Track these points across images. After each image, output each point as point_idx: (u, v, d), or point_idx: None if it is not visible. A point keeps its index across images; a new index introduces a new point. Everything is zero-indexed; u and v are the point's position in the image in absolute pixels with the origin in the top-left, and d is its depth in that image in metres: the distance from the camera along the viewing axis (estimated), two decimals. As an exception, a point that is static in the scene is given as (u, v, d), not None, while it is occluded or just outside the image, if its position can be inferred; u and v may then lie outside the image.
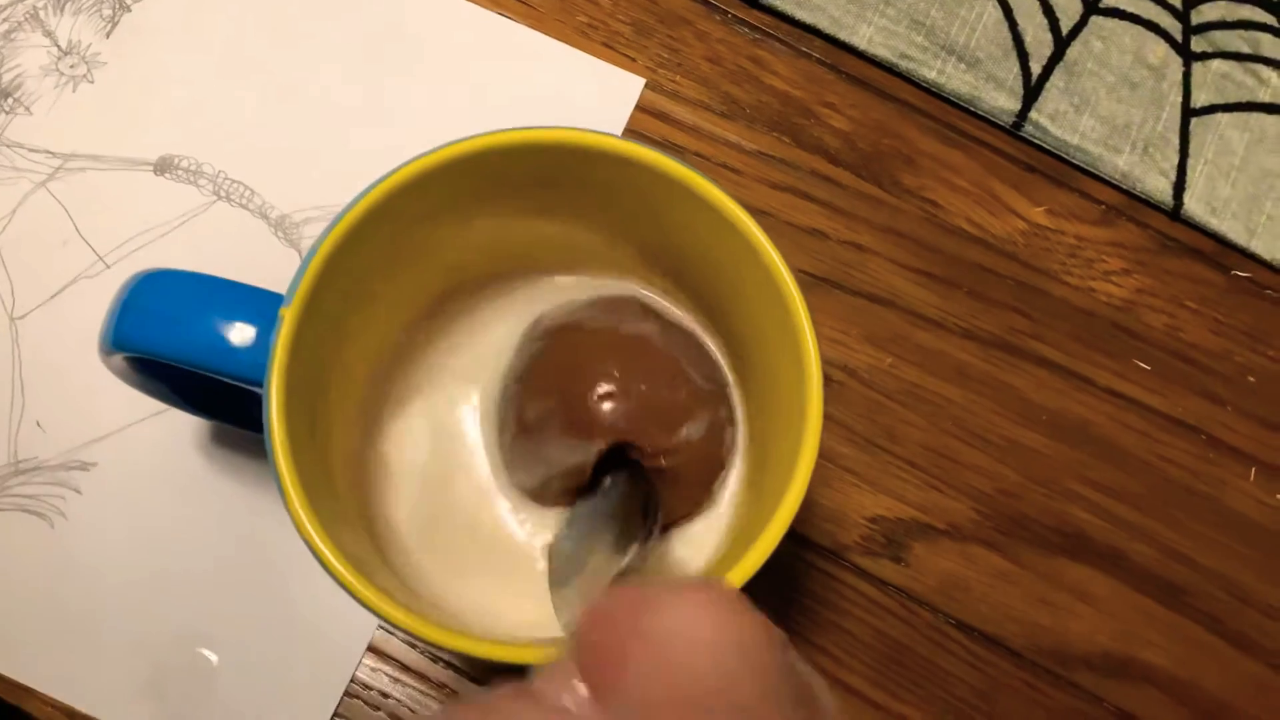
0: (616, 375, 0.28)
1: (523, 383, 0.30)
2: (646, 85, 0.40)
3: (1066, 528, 0.38)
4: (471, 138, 0.25)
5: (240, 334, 0.25)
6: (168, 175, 0.37)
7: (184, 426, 0.35)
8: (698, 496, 0.30)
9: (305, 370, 0.25)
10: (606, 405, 0.27)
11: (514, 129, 0.26)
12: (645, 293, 0.32)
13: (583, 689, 0.15)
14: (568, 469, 0.28)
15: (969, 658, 0.36)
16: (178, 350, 0.25)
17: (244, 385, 0.26)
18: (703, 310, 0.31)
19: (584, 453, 0.27)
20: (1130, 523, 0.38)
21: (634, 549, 0.25)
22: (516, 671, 0.23)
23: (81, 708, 0.32)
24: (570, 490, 0.29)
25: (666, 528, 0.30)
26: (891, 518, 0.37)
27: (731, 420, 0.31)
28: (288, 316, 0.24)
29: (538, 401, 0.29)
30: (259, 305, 0.25)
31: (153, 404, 0.33)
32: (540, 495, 0.30)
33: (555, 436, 0.28)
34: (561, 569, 0.26)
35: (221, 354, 0.25)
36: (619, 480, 0.27)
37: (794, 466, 0.25)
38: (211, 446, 0.35)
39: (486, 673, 0.35)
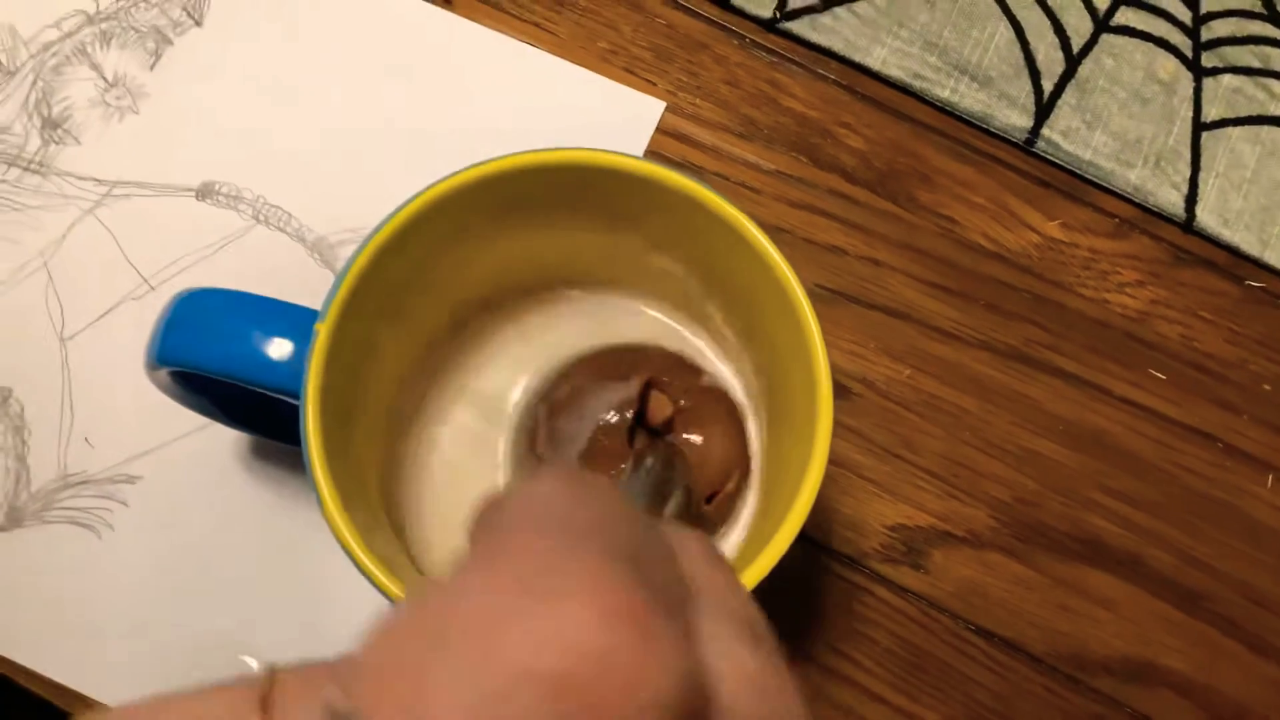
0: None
1: (549, 397, 0.32)
2: (667, 108, 0.41)
3: (1084, 535, 0.38)
4: (498, 159, 0.27)
5: (278, 348, 0.26)
6: (209, 201, 0.39)
7: (225, 441, 0.36)
8: (721, 468, 0.32)
9: (339, 382, 0.26)
10: (636, 363, 0.32)
11: (537, 150, 0.27)
12: (672, 328, 0.33)
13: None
14: (612, 412, 0.31)
15: (989, 663, 0.37)
16: (219, 364, 0.27)
17: (282, 397, 0.27)
18: (731, 329, 0.32)
19: (626, 390, 0.30)
20: (1147, 530, 0.38)
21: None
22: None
23: (128, 711, 0.34)
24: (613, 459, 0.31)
25: (698, 517, 0.31)
26: (911, 526, 0.38)
27: (743, 432, 0.32)
28: (323, 331, 0.25)
29: (569, 385, 0.32)
30: (296, 321, 0.27)
31: (195, 420, 0.35)
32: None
33: (593, 386, 0.31)
34: None
35: (260, 367, 0.26)
36: (657, 460, 0.28)
37: (805, 471, 0.26)
38: (252, 460, 0.36)
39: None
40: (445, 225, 0.27)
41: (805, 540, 0.37)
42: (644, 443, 0.31)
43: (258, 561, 0.35)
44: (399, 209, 0.26)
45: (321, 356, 0.25)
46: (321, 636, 0.34)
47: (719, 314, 0.32)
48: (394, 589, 0.24)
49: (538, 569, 0.12)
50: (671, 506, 0.26)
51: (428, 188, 0.26)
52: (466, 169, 0.27)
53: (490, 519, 0.14)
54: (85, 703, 0.34)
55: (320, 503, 0.25)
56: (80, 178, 0.39)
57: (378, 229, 0.26)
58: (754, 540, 0.29)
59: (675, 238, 0.29)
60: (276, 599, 0.35)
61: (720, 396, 0.33)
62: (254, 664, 0.34)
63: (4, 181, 0.38)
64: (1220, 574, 0.38)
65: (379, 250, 0.26)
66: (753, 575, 0.25)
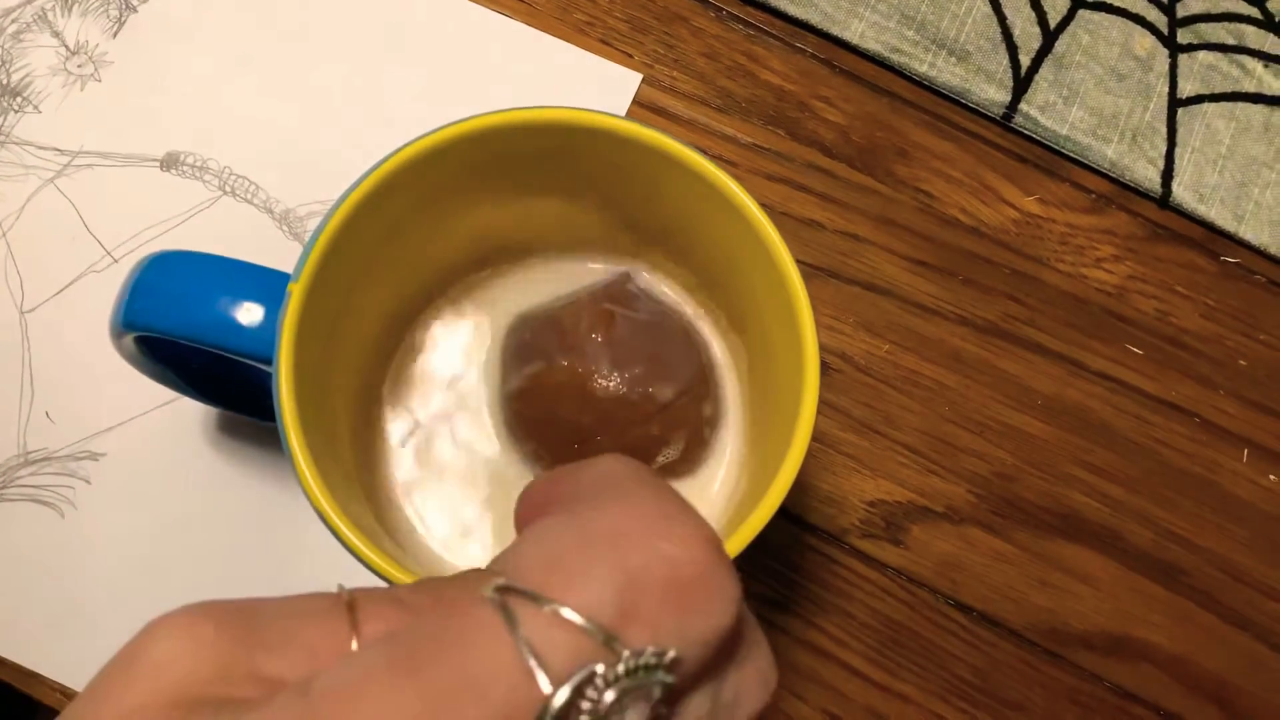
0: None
1: (510, 365, 0.31)
2: (644, 80, 0.41)
3: (1063, 509, 0.38)
4: (474, 117, 0.26)
5: (250, 310, 0.26)
6: (174, 171, 0.38)
7: (191, 416, 0.35)
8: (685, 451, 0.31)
9: (312, 346, 0.25)
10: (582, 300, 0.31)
11: (516, 109, 0.26)
12: (642, 274, 0.33)
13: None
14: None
15: (969, 638, 0.37)
16: (189, 328, 0.26)
17: (253, 362, 0.26)
18: (703, 287, 0.32)
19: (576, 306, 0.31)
20: (1125, 504, 0.38)
21: None
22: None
23: (91, 693, 0.33)
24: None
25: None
26: (890, 501, 0.38)
27: (705, 395, 0.31)
28: (296, 291, 0.25)
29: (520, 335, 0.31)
30: (267, 283, 0.26)
31: (160, 395, 0.34)
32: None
33: (545, 326, 0.31)
34: None
35: (232, 330, 0.25)
36: None
37: (788, 445, 0.25)
38: (218, 436, 0.35)
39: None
40: (421, 185, 0.27)
41: (785, 516, 0.37)
42: None
43: (224, 538, 0.34)
44: (375, 166, 0.26)
45: (294, 318, 0.24)
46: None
47: (705, 275, 0.31)
48: (373, 556, 0.23)
49: (655, 503, 0.17)
50: None
51: (402, 146, 0.26)
52: (443, 127, 0.26)
53: (575, 479, 0.18)
54: (48, 685, 0.33)
55: (293, 464, 0.24)
56: (41, 147, 0.37)
57: (353, 187, 0.25)
58: (735, 516, 0.29)
59: (658, 200, 0.29)
60: (244, 576, 0.34)
61: (672, 315, 0.32)
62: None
63: (-40, 150, 0.37)
64: (1197, 548, 0.38)
65: (354, 208, 0.25)
66: (732, 547, 0.25)
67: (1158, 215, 0.41)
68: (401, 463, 0.30)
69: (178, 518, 0.34)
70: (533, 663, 0.14)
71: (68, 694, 0.33)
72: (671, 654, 0.15)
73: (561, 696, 0.14)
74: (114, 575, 0.34)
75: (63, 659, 0.33)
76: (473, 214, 0.30)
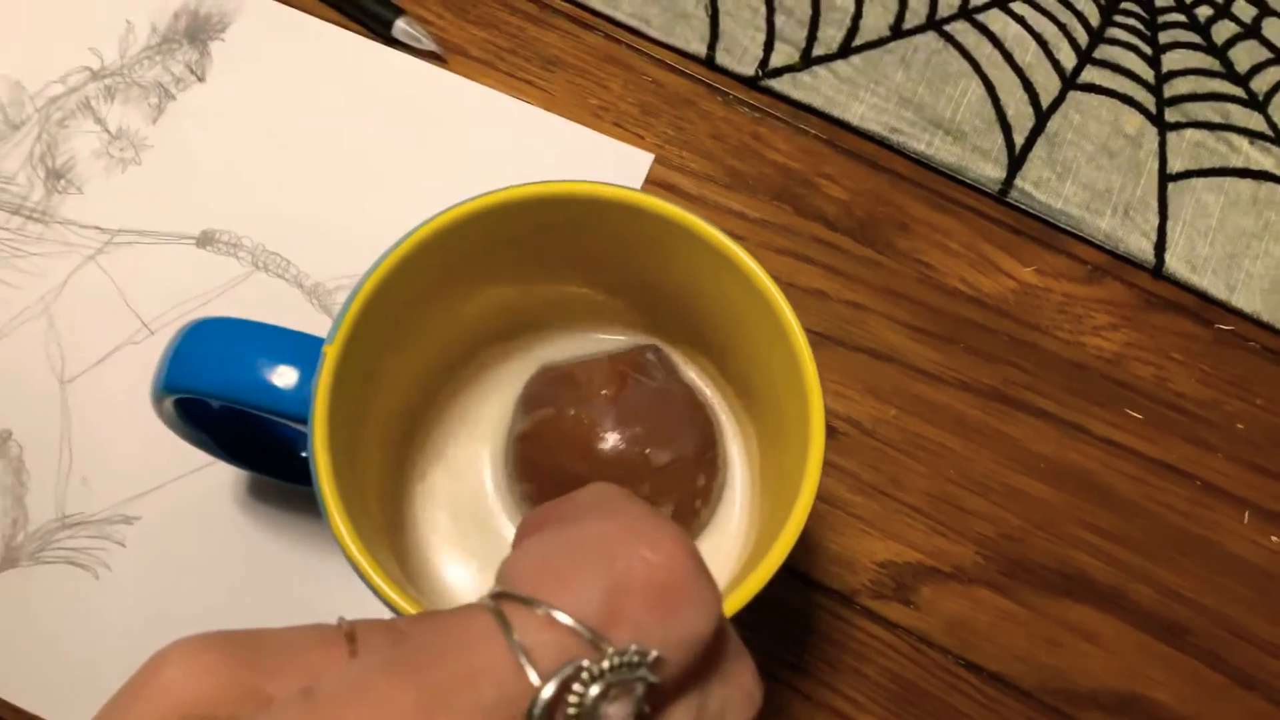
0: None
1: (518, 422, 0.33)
2: (655, 159, 0.43)
3: (1068, 570, 0.39)
4: (501, 190, 0.28)
5: (287, 372, 0.27)
6: (209, 248, 0.40)
7: (224, 482, 0.36)
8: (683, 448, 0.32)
9: (345, 405, 0.27)
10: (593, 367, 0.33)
11: (542, 182, 0.28)
12: (663, 350, 0.34)
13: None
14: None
15: (979, 697, 0.37)
16: (229, 389, 0.27)
17: (288, 422, 0.28)
18: (713, 359, 0.33)
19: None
20: (1130, 565, 0.39)
21: None
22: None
23: (121, 751, 0.33)
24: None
25: None
26: (900, 562, 0.38)
27: (701, 470, 0.33)
28: (330, 352, 0.26)
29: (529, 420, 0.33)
30: (303, 347, 0.27)
31: (194, 460, 0.35)
32: None
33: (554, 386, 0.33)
34: None
35: (270, 391, 0.27)
36: None
37: (794, 503, 0.27)
38: (250, 500, 0.36)
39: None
40: (448, 254, 0.28)
41: (796, 576, 0.38)
42: None
43: (256, 602, 0.35)
44: (407, 236, 0.27)
45: (330, 377, 0.26)
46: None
47: (714, 346, 0.33)
48: (402, 602, 0.25)
49: (637, 519, 0.18)
50: None
51: (436, 215, 0.27)
52: (472, 199, 0.28)
53: (569, 503, 0.20)
54: (78, 743, 0.34)
55: (326, 515, 0.25)
56: (83, 226, 0.40)
57: (385, 254, 0.27)
58: (740, 574, 0.30)
59: (668, 272, 0.30)
60: (272, 637, 0.35)
61: (684, 388, 0.34)
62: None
63: (6, 230, 0.39)
64: (1202, 608, 0.39)
65: (387, 275, 0.27)
66: (733, 604, 0.25)
67: (1152, 285, 0.43)
68: (424, 513, 0.32)
69: (210, 580, 0.35)
70: (523, 659, 0.15)
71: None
72: (654, 654, 0.16)
73: (549, 689, 0.15)
74: (145, 635, 0.34)
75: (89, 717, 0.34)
76: (497, 288, 0.31)
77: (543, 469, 0.32)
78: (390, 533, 0.30)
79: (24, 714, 0.34)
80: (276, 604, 0.35)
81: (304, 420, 0.27)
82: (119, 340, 0.38)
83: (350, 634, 0.17)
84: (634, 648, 0.16)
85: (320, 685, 0.15)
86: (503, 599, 0.16)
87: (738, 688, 0.19)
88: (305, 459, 0.26)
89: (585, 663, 0.16)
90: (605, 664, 0.16)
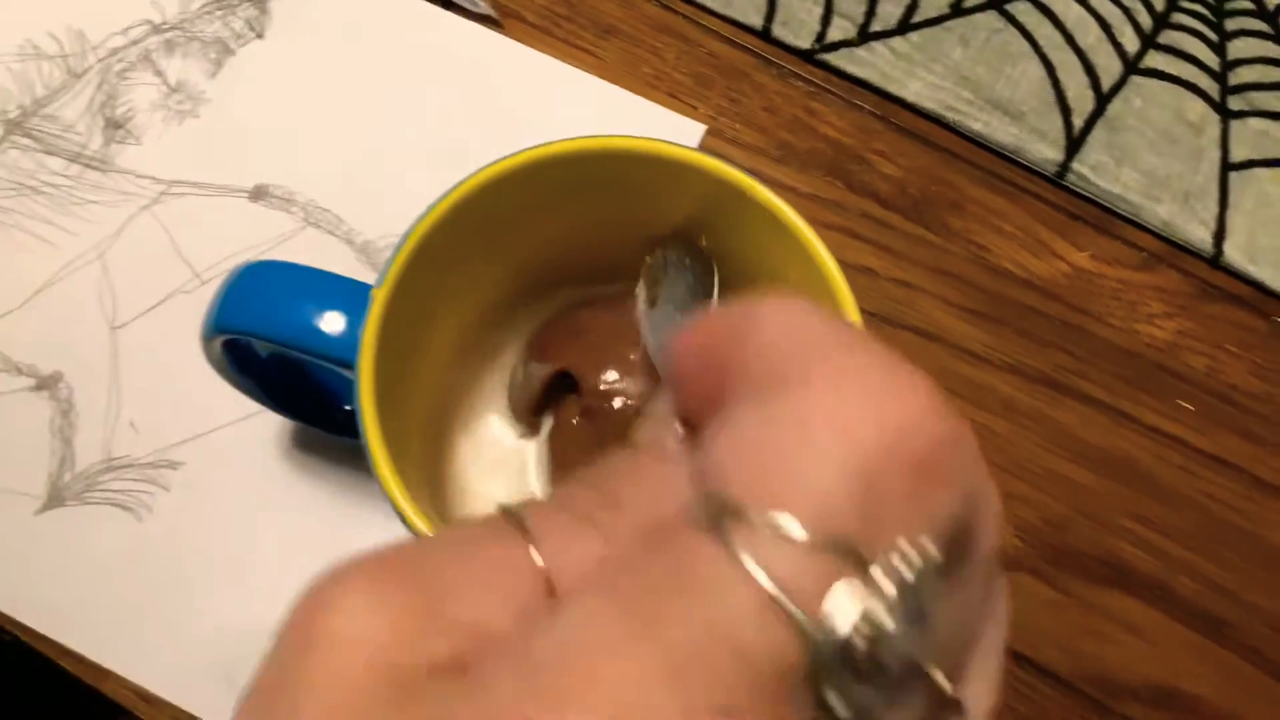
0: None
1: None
2: (707, 131, 0.42)
3: (1111, 559, 0.38)
4: (555, 142, 0.28)
5: (335, 315, 0.27)
6: (262, 202, 0.40)
7: (269, 432, 0.37)
8: None
9: (392, 351, 0.27)
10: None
11: (595, 136, 0.28)
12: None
13: (679, 429, 0.16)
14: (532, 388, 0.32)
15: (1017, 684, 0.37)
16: (278, 330, 0.27)
17: (336, 366, 0.28)
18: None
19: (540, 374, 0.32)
20: (1175, 557, 0.38)
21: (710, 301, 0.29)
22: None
23: (156, 690, 0.34)
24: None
25: None
26: (938, 542, 0.38)
27: None
28: (379, 295, 0.26)
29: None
30: (353, 293, 0.28)
31: (239, 408, 0.36)
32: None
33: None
34: (653, 290, 0.29)
35: (317, 334, 0.27)
36: (679, 254, 0.30)
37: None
38: (294, 450, 0.37)
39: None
40: (501, 203, 0.28)
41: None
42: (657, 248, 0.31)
43: (296, 549, 0.35)
44: (458, 184, 0.27)
45: (377, 321, 0.26)
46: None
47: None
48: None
49: (866, 364, 0.14)
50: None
51: (488, 164, 0.27)
52: (525, 149, 0.28)
53: (750, 337, 0.15)
54: (116, 681, 0.34)
55: (372, 463, 0.25)
56: (139, 176, 0.40)
57: (437, 201, 0.27)
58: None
59: (724, 231, 0.30)
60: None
61: None
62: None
63: (65, 176, 0.40)
64: (1245, 603, 0.38)
65: (436, 222, 0.27)
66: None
67: (1209, 274, 0.42)
68: (468, 466, 0.32)
69: (252, 526, 0.36)
70: (785, 601, 0.12)
71: (137, 692, 0.34)
72: (931, 549, 0.13)
73: (837, 630, 0.12)
74: (186, 578, 0.35)
75: (132, 657, 0.34)
76: (544, 242, 0.31)
77: (570, 339, 0.32)
78: (431, 485, 0.30)
79: (64, 649, 0.34)
80: (317, 552, 0.35)
81: (351, 365, 0.27)
82: (170, 289, 0.38)
83: (519, 520, 0.14)
84: (910, 551, 0.13)
85: (538, 645, 0.12)
86: (717, 507, 0.13)
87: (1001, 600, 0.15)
88: (350, 411, 0.26)
89: (857, 585, 0.12)
90: (888, 584, 0.12)
